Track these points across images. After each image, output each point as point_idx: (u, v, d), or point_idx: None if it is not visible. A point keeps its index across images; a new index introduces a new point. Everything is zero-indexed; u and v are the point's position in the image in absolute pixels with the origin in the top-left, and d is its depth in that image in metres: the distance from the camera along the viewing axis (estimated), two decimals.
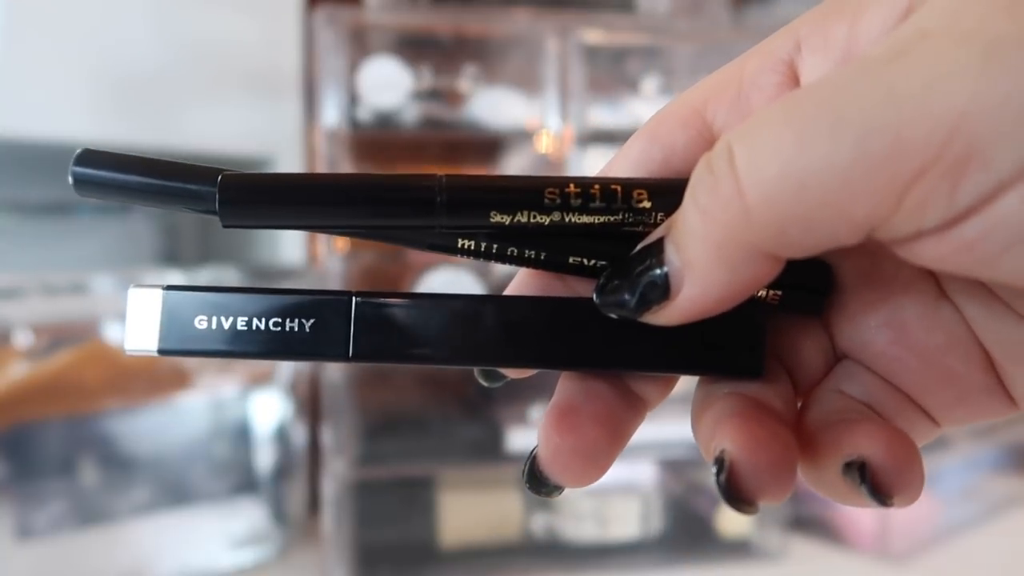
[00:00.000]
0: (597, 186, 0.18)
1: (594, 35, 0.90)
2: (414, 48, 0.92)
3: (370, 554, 0.88)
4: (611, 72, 1.01)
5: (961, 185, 0.13)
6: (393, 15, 0.93)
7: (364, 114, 0.87)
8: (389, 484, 0.89)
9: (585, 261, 0.19)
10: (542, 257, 0.19)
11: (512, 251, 0.19)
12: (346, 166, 0.92)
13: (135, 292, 0.19)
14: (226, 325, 0.19)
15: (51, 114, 0.86)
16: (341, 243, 0.87)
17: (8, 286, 0.81)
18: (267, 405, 0.96)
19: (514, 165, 1.08)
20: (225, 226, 0.19)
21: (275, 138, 1.01)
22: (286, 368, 0.97)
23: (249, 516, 0.94)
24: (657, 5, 1.08)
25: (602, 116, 0.96)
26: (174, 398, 0.89)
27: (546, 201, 0.18)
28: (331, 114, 0.85)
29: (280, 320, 0.19)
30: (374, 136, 0.90)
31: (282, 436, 0.96)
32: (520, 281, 0.22)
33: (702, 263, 0.16)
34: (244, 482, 0.94)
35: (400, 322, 0.19)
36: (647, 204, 0.18)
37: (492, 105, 0.91)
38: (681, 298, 0.17)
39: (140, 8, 0.91)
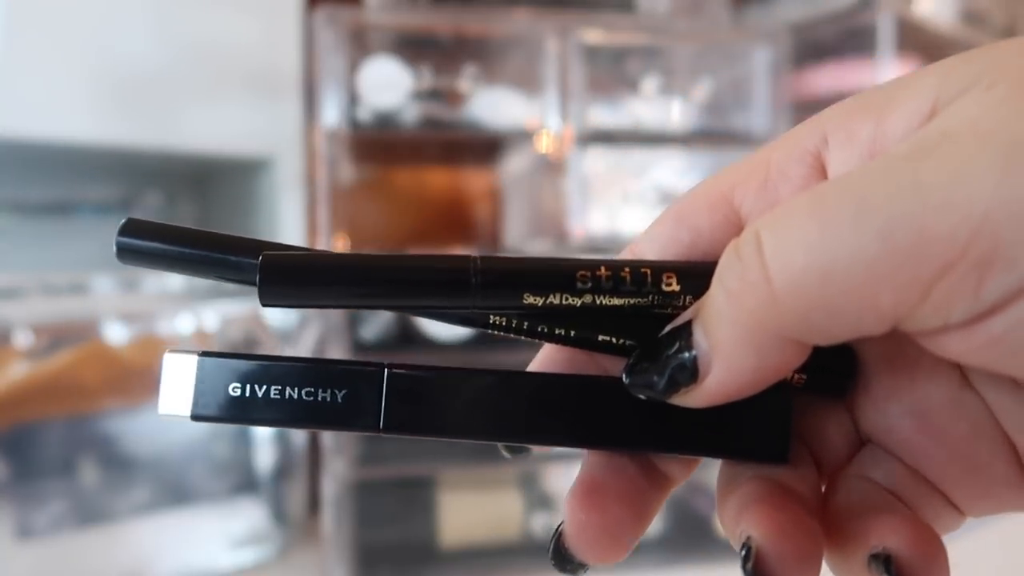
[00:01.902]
0: (627, 269, 0.18)
1: (594, 35, 0.90)
2: (414, 48, 0.92)
3: (370, 554, 0.88)
4: (611, 72, 1.01)
5: (986, 283, 0.14)
6: (393, 15, 0.93)
7: (364, 114, 0.87)
8: (389, 484, 0.89)
9: (614, 340, 0.20)
10: (572, 335, 0.20)
11: (543, 329, 0.20)
12: (346, 166, 0.92)
13: (170, 357, 0.20)
14: (259, 393, 0.19)
15: (51, 114, 0.86)
16: (341, 244, 0.88)
17: (8, 286, 0.81)
18: None
19: (514, 165, 1.08)
20: (264, 305, 0.19)
21: (275, 138, 1.01)
22: None
23: (249, 516, 0.94)
24: (657, 5, 1.07)
25: (602, 116, 0.96)
26: None
27: (578, 284, 0.18)
28: (331, 114, 0.85)
29: (313, 390, 0.19)
30: (374, 136, 0.90)
31: (282, 436, 0.96)
32: (547, 355, 0.22)
33: (729, 347, 0.16)
34: (244, 482, 0.94)
35: (431, 395, 0.19)
36: (676, 287, 0.18)
37: (492, 105, 0.91)
38: (709, 381, 0.17)
39: (140, 8, 0.91)
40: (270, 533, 0.95)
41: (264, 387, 0.19)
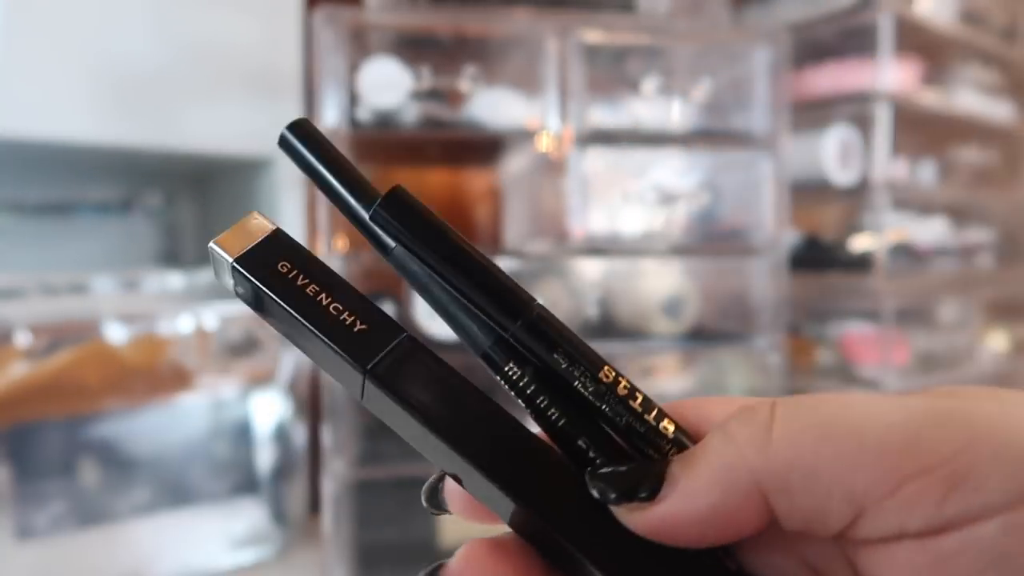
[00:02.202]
0: (642, 393, 0.20)
1: (594, 35, 0.90)
2: (414, 48, 0.92)
3: (370, 554, 0.88)
4: (611, 72, 1.01)
5: (952, 495, 0.15)
6: (393, 15, 0.93)
7: (364, 114, 0.87)
8: (389, 484, 0.89)
9: (591, 452, 0.20)
10: (560, 423, 0.20)
11: (542, 401, 0.21)
12: None
13: (254, 216, 0.21)
14: (298, 282, 0.20)
15: (51, 114, 0.86)
16: (341, 243, 0.88)
17: (8, 286, 0.81)
18: (267, 405, 0.96)
19: (514, 165, 1.08)
20: (371, 219, 0.21)
21: (275, 138, 1.01)
22: (286, 368, 0.97)
23: (249, 516, 0.94)
24: (657, 5, 1.07)
25: (602, 116, 0.96)
26: (174, 398, 0.89)
27: (601, 373, 0.20)
28: (331, 114, 0.85)
29: (341, 307, 0.20)
30: (374, 136, 0.89)
31: (282, 436, 0.96)
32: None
33: (697, 482, 0.17)
34: (244, 482, 0.94)
35: (425, 376, 0.20)
36: (669, 431, 0.20)
37: (492, 105, 0.91)
38: (663, 505, 0.18)
39: (140, 8, 0.91)
40: (270, 533, 0.95)
41: (306, 281, 0.20)
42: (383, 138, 0.91)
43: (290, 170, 1.04)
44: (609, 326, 0.97)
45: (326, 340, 0.20)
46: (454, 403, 0.20)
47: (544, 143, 0.91)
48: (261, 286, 0.20)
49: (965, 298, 1.27)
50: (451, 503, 0.22)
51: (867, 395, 0.17)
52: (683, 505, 0.17)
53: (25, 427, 0.79)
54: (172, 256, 1.13)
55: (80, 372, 0.82)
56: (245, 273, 0.20)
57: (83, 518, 0.82)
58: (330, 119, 0.84)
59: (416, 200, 0.21)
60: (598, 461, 0.20)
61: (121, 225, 1.10)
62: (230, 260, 0.20)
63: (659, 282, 0.97)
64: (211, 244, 0.21)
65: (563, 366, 0.20)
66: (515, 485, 0.19)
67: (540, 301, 0.21)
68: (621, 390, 0.20)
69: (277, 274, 0.20)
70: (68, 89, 0.87)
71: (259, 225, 0.21)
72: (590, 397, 0.20)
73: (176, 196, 1.17)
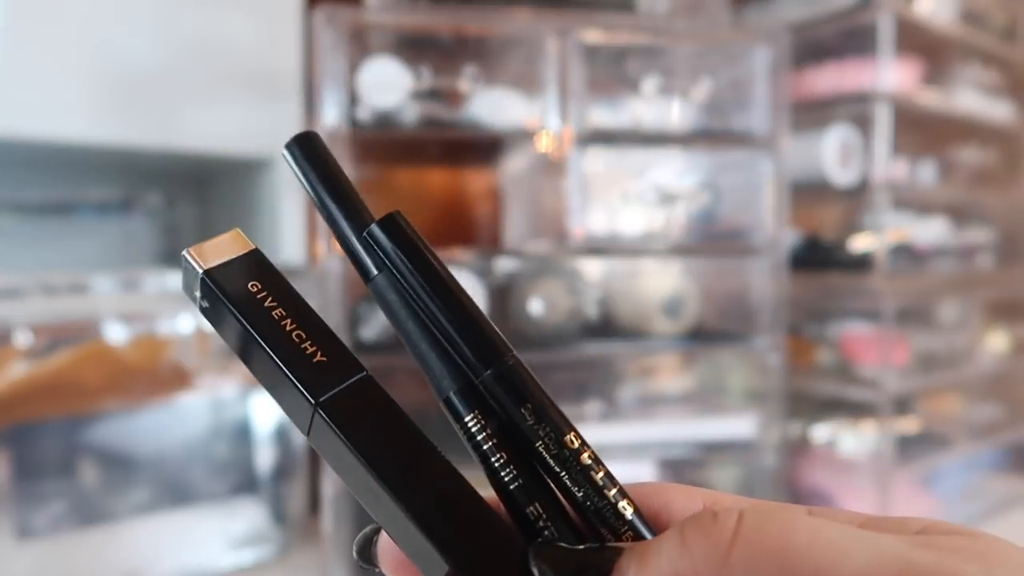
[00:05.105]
0: (605, 468, 0.19)
1: (594, 35, 0.90)
2: (414, 48, 0.92)
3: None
4: (611, 72, 1.01)
5: None
6: (393, 15, 0.93)
7: (364, 114, 0.87)
8: None
9: (542, 522, 0.19)
10: (512, 486, 0.20)
11: (500, 458, 0.20)
12: (346, 166, 0.92)
13: (238, 233, 0.21)
14: (266, 304, 0.20)
15: (51, 114, 0.86)
16: (339, 247, 0.87)
17: (8, 286, 0.80)
18: (267, 405, 0.96)
19: (514, 165, 1.08)
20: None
21: (275, 138, 1.01)
22: None
23: (249, 516, 0.94)
24: (657, 5, 1.07)
25: (602, 116, 0.96)
26: (174, 398, 0.89)
27: (567, 438, 0.19)
28: (331, 114, 0.85)
29: (304, 335, 0.20)
30: (374, 136, 0.89)
31: (282, 436, 0.96)
32: None
33: None
34: (244, 482, 0.94)
35: (376, 418, 0.19)
36: (627, 514, 0.19)
37: (492, 105, 0.91)
38: None
39: (140, 8, 0.91)
40: (270, 533, 0.95)
41: (274, 303, 0.20)
42: (383, 138, 0.91)
43: (290, 170, 1.04)
44: (609, 326, 0.97)
45: (281, 366, 0.19)
46: (402, 452, 0.19)
47: (544, 143, 0.91)
48: (226, 302, 0.19)
49: (965, 298, 1.27)
50: (382, 560, 0.21)
51: (839, 525, 0.16)
52: None
53: (25, 427, 0.79)
54: (172, 256, 1.13)
55: (80, 372, 0.82)
56: (212, 286, 0.20)
57: (83, 518, 0.82)
58: (330, 119, 0.84)
59: (413, 228, 0.20)
60: (546, 532, 0.19)
61: (121, 225, 1.10)
62: (200, 270, 0.20)
63: (659, 282, 0.97)
64: (184, 252, 0.20)
65: (528, 423, 0.19)
66: (452, 546, 0.18)
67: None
68: (585, 459, 0.19)
69: (245, 292, 0.20)
70: (68, 89, 0.87)
71: (238, 242, 0.21)
72: (550, 461, 0.19)
73: (176, 196, 1.17)
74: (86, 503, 0.82)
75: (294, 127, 1.02)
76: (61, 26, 0.86)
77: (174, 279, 0.92)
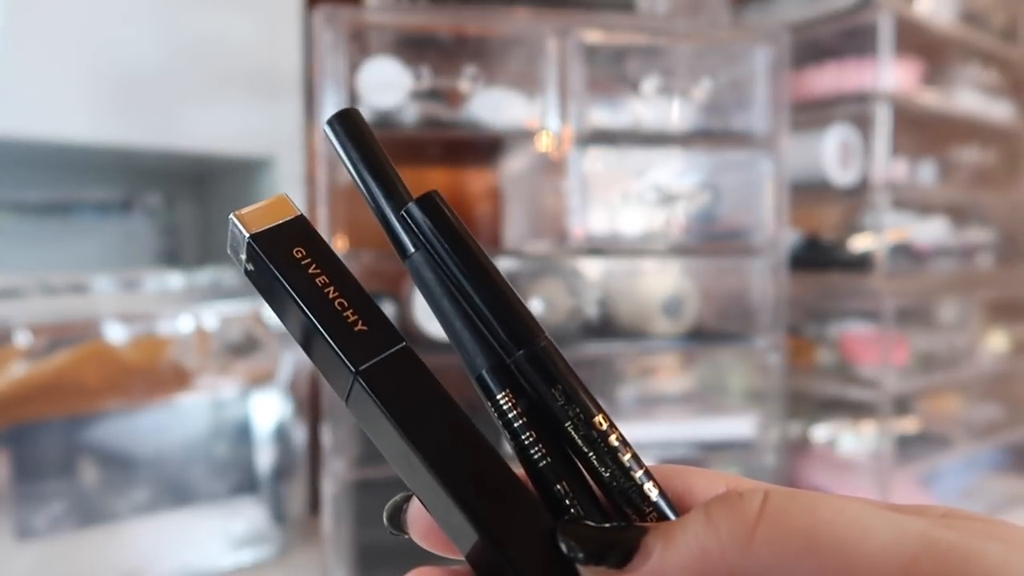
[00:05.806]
0: (632, 450, 0.20)
1: (594, 35, 0.90)
2: (414, 48, 0.92)
3: (370, 554, 0.88)
4: (611, 72, 1.01)
5: None
6: (393, 15, 0.93)
7: (364, 114, 0.87)
8: (389, 484, 0.89)
9: (569, 500, 0.20)
10: (540, 464, 0.20)
11: (528, 436, 0.20)
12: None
13: (285, 196, 0.21)
14: (310, 270, 0.20)
15: (50, 114, 0.86)
16: (341, 243, 0.87)
17: (8, 286, 0.80)
18: (267, 405, 0.96)
19: (514, 165, 1.08)
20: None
21: (275, 138, 1.01)
22: (286, 368, 0.97)
23: (249, 516, 0.94)
24: (657, 5, 1.08)
25: (602, 116, 0.96)
26: (174, 398, 0.89)
27: (596, 419, 0.19)
28: (331, 114, 0.84)
29: (347, 303, 0.20)
30: None
31: (282, 436, 0.96)
32: None
33: (672, 561, 0.17)
34: (244, 482, 0.94)
35: (415, 388, 0.20)
36: (652, 495, 0.19)
37: (492, 105, 0.91)
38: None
39: (140, 8, 0.91)
40: (270, 533, 0.95)
41: (317, 271, 0.20)
42: (383, 138, 0.91)
43: (290, 170, 1.04)
44: (609, 326, 0.97)
45: (324, 332, 0.19)
46: (438, 423, 0.19)
47: (544, 143, 0.91)
48: (272, 266, 0.20)
49: (965, 298, 1.27)
50: (412, 526, 0.21)
51: (863, 503, 0.16)
52: None
53: (25, 427, 0.79)
54: (172, 256, 1.13)
55: (80, 372, 0.82)
56: (258, 251, 0.20)
57: (83, 518, 0.82)
58: None
59: (450, 207, 0.21)
60: (572, 511, 0.19)
61: (121, 225, 1.10)
62: (247, 235, 0.20)
63: (659, 282, 0.97)
64: (231, 216, 0.21)
65: (559, 403, 0.19)
66: (483, 518, 0.19)
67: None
68: (613, 441, 0.19)
69: (290, 258, 0.20)
70: (68, 89, 0.87)
71: (284, 207, 0.21)
72: (579, 441, 0.19)
73: (176, 196, 1.17)
74: (86, 503, 0.82)
75: (294, 127, 1.02)
76: (61, 26, 0.86)
77: (174, 279, 0.92)
